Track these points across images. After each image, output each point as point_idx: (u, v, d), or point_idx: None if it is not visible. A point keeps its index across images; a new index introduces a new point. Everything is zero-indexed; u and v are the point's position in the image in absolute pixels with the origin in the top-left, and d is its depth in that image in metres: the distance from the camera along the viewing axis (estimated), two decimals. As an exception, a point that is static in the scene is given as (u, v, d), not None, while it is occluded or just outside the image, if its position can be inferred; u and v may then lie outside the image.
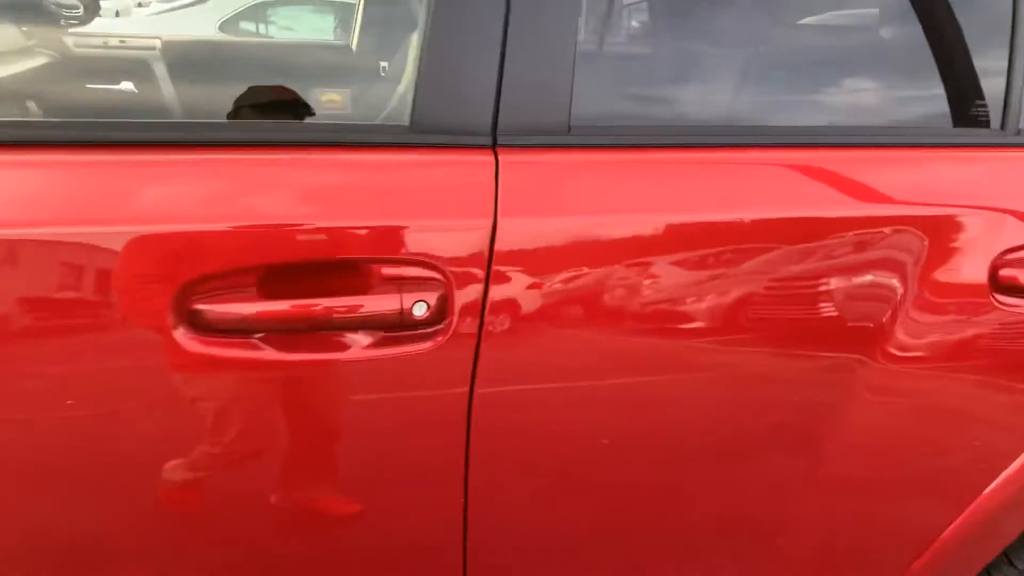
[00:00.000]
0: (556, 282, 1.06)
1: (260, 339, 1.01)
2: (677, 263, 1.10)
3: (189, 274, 0.97)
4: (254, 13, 6.47)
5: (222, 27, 6.08)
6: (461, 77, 1.06)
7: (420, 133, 1.06)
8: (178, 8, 6.66)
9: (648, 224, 1.09)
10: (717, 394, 1.17)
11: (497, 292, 1.04)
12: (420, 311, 1.02)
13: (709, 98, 1.29)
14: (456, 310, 1.04)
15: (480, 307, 1.04)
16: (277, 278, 0.99)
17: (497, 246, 1.03)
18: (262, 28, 6.42)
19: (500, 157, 1.06)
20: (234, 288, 0.99)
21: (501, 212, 1.03)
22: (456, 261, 1.03)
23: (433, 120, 1.06)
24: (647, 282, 1.09)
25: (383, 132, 1.10)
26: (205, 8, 6.42)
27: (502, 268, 1.04)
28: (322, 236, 1.00)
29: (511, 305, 1.06)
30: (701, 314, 1.12)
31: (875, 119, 1.31)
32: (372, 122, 1.19)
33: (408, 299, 1.01)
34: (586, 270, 1.07)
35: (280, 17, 6.48)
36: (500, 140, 1.07)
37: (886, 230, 1.14)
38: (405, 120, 1.07)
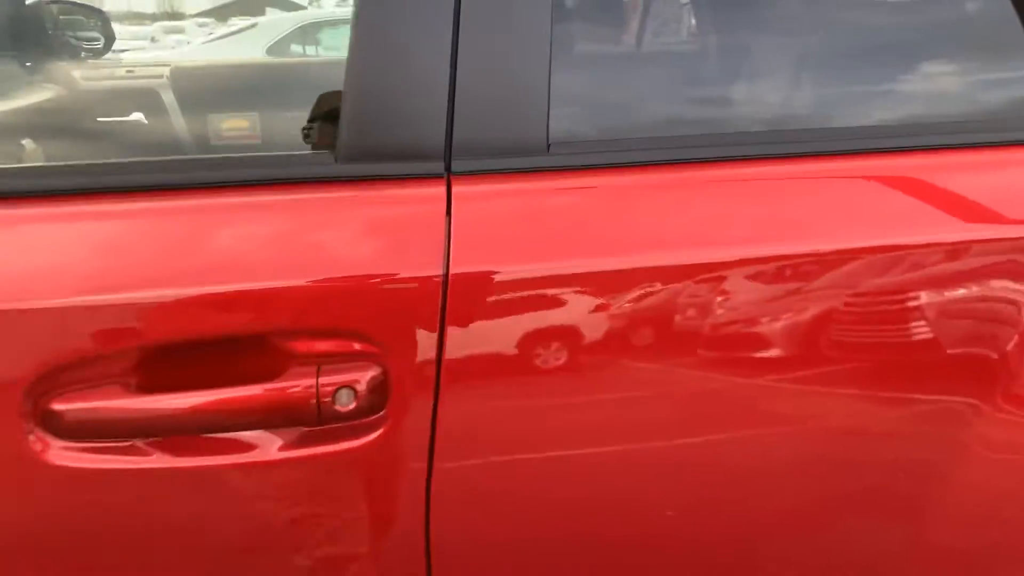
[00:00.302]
0: (539, 347, 0.80)
1: (146, 444, 0.77)
2: (715, 308, 0.83)
3: (42, 363, 0.73)
4: (302, 35, 6.44)
5: (270, 51, 6.04)
6: (400, 84, 0.81)
7: (349, 163, 0.81)
8: (230, 34, 6.68)
9: (664, 264, 0.82)
10: (788, 453, 0.90)
11: (455, 367, 0.79)
12: (346, 401, 0.76)
13: (735, 100, 1.00)
14: (399, 394, 0.78)
15: (433, 388, 0.79)
16: (156, 363, 0.76)
17: (451, 306, 0.78)
18: (310, 50, 6.39)
19: (454, 188, 0.81)
20: (102, 380, 0.75)
21: (455, 261, 0.78)
22: (396, 329, 0.78)
23: (366, 144, 0.81)
24: (673, 335, 0.82)
25: (300, 163, 0.84)
26: (254, 33, 6.42)
27: (460, 335, 0.78)
28: (213, 305, 0.75)
29: (475, 382, 0.80)
30: (761, 359, 0.85)
31: (956, 112, 1.00)
32: (287, 152, 0.93)
33: (329, 385, 0.76)
34: (581, 329, 0.81)
35: (328, 37, 6.42)
36: (455, 166, 0.81)
37: (982, 257, 0.85)
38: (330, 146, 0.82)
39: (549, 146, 0.83)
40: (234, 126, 0.78)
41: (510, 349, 0.80)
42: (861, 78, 1.03)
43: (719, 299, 0.82)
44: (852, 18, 1.10)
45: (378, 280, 0.78)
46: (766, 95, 1.01)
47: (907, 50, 1.06)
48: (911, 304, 0.86)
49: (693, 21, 1.41)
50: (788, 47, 1.08)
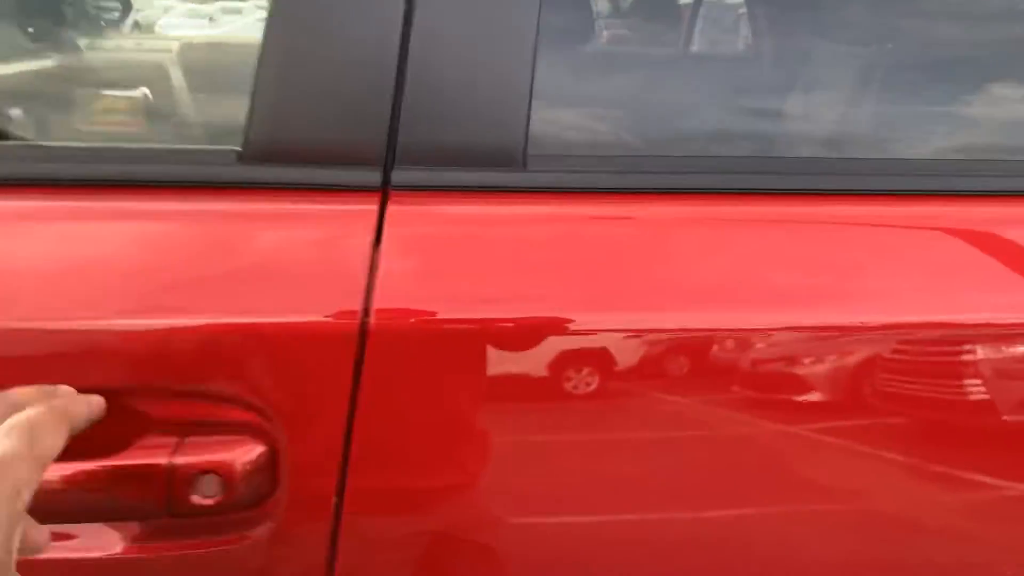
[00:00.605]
0: (486, 419, 0.60)
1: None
2: (726, 383, 0.62)
3: None
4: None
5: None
6: (329, 64, 0.61)
7: (255, 164, 0.60)
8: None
9: (667, 327, 0.60)
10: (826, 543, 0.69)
11: (368, 447, 0.58)
12: (207, 493, 0.56)
13: (781, 115, 0.78)
14: (290, 480, 0.57)
15: (337, 474, 0.58)
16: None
17: (369, 365, 0.57)
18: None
19: (391, 205, 0.60)
20: None
21: (379, 303, 0.57)
22: (290, 395, 0.57)
23: (280, 141, 0.61)
24: (669, 411, 0.62)
25: (192, 162, 0.63)
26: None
27: (380, 403, 0.57)
28: (34, 346, 0.55)
29: (394, 468, 0.59)
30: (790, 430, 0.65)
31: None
32: (176, 146, 0.72)
33: (186, 468, 0.55)
34: (540, 400, 0.60)
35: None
36: (396, 177, 0.61)
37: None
38: (236, 142, 0.61)
39: (527, 159, 0.62)
40: (108, 107, 0.59)
41: (445, 421, 0.60)
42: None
43: (732, 372, 0.61)
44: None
45: (271, 325, 0.57)
46: (822, 114, 0.79)
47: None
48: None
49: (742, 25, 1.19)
50: (851, 57, 0.86)
